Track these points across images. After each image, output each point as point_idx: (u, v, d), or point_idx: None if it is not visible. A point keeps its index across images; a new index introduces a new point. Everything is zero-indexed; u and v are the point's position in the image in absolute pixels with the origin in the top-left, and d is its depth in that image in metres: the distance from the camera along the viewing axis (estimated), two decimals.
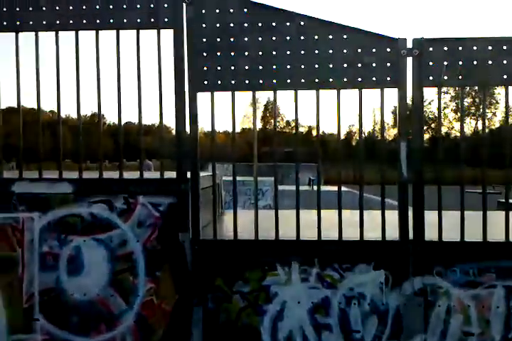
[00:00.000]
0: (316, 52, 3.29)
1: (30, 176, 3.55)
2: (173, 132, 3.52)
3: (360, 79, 3.26)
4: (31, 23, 3.46)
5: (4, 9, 3.49)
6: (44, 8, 3.44)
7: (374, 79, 3.26)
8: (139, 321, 3.42)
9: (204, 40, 3.36)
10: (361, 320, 3.30)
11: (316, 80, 3.28)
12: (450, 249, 3.28)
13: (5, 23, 3.50)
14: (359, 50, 3.26)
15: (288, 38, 3.30)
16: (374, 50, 3.25)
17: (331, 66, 3.28)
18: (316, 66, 3.28)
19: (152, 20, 3.39)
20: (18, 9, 3.47)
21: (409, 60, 3.25)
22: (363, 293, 3.30)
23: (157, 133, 3.93)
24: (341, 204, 3.37)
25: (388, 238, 3.32)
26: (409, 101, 3.28)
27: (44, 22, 3.44)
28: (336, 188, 3.48)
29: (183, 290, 3.41)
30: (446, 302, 3.26)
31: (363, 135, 3.74)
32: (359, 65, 3.26)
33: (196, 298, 3.38)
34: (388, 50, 3.25)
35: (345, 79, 3.27)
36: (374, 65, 3.25)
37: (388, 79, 3.25)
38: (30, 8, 3.45)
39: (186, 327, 3.39)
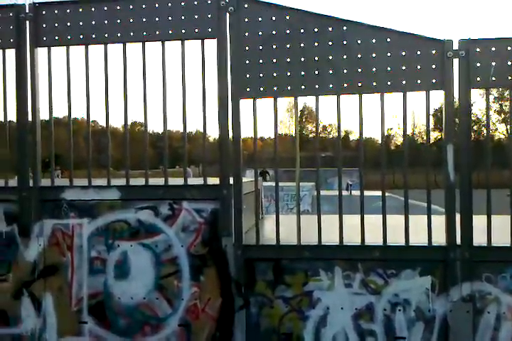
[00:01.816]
0: (359, 56, 3.29)
1: (80, 183, 3.68)
2: (211, 139, 3.59)
3: (404, 83, 3.24)
4: (81, 36, 3.61)
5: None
6: (94, 22, 3.59)
7: (419, 81, 3.23)
8: (183, 325, 3.47)
9: (246, 48, 3.42)
10: (407, 326, 3.25)
11: (359, 85, 3.28)
12: (500, 254, 3.19)
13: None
14: (403, 53, 3.24)
15: (330, 43, 3.32)
16: (419, 53, 3.22)
17: (374, 70, 3.27)
18: (359, 70, 3.28)
19: (196, 30, 3.47)
20: (68, 24, 3.63)
21: (456, 62, 3.21)
22: (408, 300, 3.25)
23: (197, 141, 4.01)
24: (385, 209, 3.34)
25: (434, 243, 3.26)
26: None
27: (93, 35, 3.59)
28: (375, 193, 3.45)
29: (226, 295, 3.44)
30: (495, 309, 3.17)
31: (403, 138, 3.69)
32: (403, 68, 3.24)
33: (239, 302, 3.40)
34: (433, 51, 3.21)
35: (388, 83, 3.25)
36: (419, 67, 3.22)
37: (434, 81, 3.21)
38: (81, 23, 3.61)
39: (229, 331, 3.42)
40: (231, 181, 3.49)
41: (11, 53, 3.73)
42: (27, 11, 3.67)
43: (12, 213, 3.69)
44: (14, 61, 3.70)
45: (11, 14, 3.69)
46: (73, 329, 3.60)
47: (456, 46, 3.21)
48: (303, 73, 3.36)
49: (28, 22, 3.68)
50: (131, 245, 3.54)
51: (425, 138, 3.49)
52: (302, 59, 3.36)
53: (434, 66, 3.22)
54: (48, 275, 3.64)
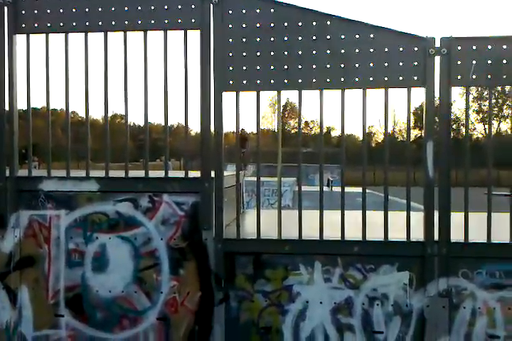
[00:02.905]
0: (342, 51, 3.28)
1: (58, 174, 3.62)
2: (192, 133, 3.57)
3: (386, 79, 3.25)
4: (61, 24, 3.53)
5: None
6: (74, 10, 3.51)
7: (401, 78, 3.24)
8: (162, 318, 3.46)
9: (230, 40, 3.39)
10: (384, 321, 3.28)
11: (342, 80, 3.28)
12: (476, 250, 3.24)
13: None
14: (386, 49, 3.25)
15: (314, 37, 3.31)
16: (401, 49, 3.23)
17: (356, 65, 3.27)
18: (342, 65, 3.28)
19: (179, 21, 3.42)
20: (48, 11, 3.55)
21: (437, 59, 3.22)
22: (386, 294, 3.28)
23: (177, 134, 3.97)
24: (365, 205, 3.36)
25: (413, 239, 3.29)
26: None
27: (74, 23, 3.51)
28: (356, 189, 3.47)
29: (205, 288, 3.43)
30: (471, 304, 3.22)
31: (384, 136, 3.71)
32: (386, 64, 3.24)
33: (219, 296, 3.40)
34: (416, 48, 3.22)
35: (371, 79, 3.26)
36: (401, 64, 3.23)
37: (415, 78, 3.23)
38: (61, 10, 3.52)
39: (208, 324, 3.41)
40: (212, 174, 3.46)
41: None
42: None
43: None
44: None
45: None
46: (49, 322, 3.56)
47: (438, 44, 3.23)
48: (286, 67, 3.35)
49: (6, 8, 3.58)
50: (110, 237, 3.50)
51: (405, 135, 3.51)
52: (286, 53, 3.34)
53: (416, 63, 3.23)
54: (24, 267, 3.58)
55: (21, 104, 3.68)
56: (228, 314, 3.40)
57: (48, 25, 3.56)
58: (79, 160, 3.65)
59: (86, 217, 3.53)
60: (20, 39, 3.62)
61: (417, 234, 3.31)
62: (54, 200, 3.56)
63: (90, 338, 3.52)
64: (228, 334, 3.39)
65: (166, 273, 3.46)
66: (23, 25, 3.59)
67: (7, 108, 3.62)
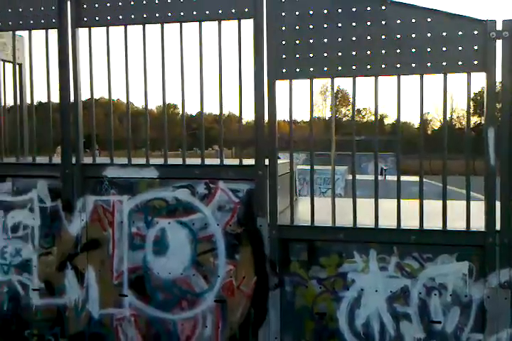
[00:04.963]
0: (398, 36, 3.20)
1: (120, 162, 3.79)
2: (243, 122, 3.63)
3: (444, 64, 3.14)
4: (120, 17, 3.65)
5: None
6: (132, 2, 3.61)
7: (460, 63, 3.12)
8: (219, 301, 3.58)
9: (283, 28, 3.38)
10: (442, 311, 3.24)
11: (398, 66, 3.21)
12: None
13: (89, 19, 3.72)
14: (444, 34, 3.14)
15: (368, 23, 3.24)
16: (460, 33, 3.11)
17: (413, 51, 3.18)
18: (398, 51, 3.20)
19: (233, 10, 3.45)
20: (108, 4, 3.67)
21: (499, 43, 3.08)
22: (444, 284, 3.23)
23: (228, 123, 4.03)
24: (422, 193, 3.30)
25: (472, 229, 3.21)
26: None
27: (132, 16, 3.62)
28: (410, 178, 3.40)
29: (260, 273, 3.51)
30: None
31: (441, 123, 3.60)
32: (444, 49, 3.13)
33: (274, 281, 3.47)
34: (475, 32, 3.09)
35: (428, 64, 3.16)
36: (460, 48, 3.11)
37: (475, 63, 3.10)
38: (120, 3, 3.64)
39: (264, 308, 3.50)
40: (266, 162, 3.51)
41: (53, 33, 3.82)
42: None
43: (56, 189, 3.85)
44: (56, 41, 3.78)
45: None
46: (114, 301, 3.77)
47: (499, 27, 3.08)
48: (340, 54, 3.31)
49: (69, 2, 3.74)
50: (169, 222, 3.65)
51: (464, 123, 3.39)
52: (339, 39, 3.30)
53: (476, 47, 3.10)
54: (90, 249, 3.80)
55: (85, 95, 3.88)
56: (283, 299, 3.47)
57: (108, 18, 3.70)
58: (136, 148, 3.79)
59: (147, 203, 3.69)
60: (82, 32, 3.79)
61: (476, 224, 3.22)
62: (117, 186, 3.73)
63: (152, 318, 3.70)
64: (283, 318, 3.47)
65: (223, 257, 3.57)
66: (85, 19, 3.75)
67: (72, 99, 3.81)
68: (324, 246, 3.42)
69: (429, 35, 3.16)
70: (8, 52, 4.56)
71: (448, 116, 3.16)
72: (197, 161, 3.75)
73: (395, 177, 3.63)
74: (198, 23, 3.53)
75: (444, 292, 3.23)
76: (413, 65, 3.19)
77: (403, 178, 3.47)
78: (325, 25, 3.33)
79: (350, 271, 3.37)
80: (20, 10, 3.87)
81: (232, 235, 3.55)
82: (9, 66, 4.74)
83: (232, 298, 3.56)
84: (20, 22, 3.89)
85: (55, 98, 3.90)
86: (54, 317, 3.90)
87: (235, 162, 3.72)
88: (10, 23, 3.92)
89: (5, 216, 3.96)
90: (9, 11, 3.89)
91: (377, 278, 3.33)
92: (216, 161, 3.77)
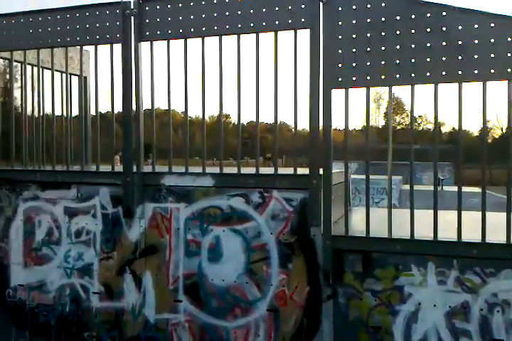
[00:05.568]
0: (459, 43, 3.11)
1: (178, 170, 3.90)
2: (293, 131, 3.64)
3: (510, 70, 3.02)
4: (181, 31, 3.78)
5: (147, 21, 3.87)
6: (192, 17, 3.74)
7: None
8: (271, 310, 3.58)
9: (340, 37, 3.38)
10: (505, 328, 3.07)
11: (459, 72, 3.12)
12: None
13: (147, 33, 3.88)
14: (509, 39, 3.02)
15: (428, 29, 3.18)
16: None
17: (475, 57, 3.08)
18: (460, 58, 3.11)
19: (289, 21, 3.49)
20: (169, 19, 3.82)
21: None
22: (508, 300, 3.07)
23: (280, 132, 4.04)
24: (485, 204, 3.17)
25: None
26: None
27: (192, 29, 3.74)
28: (469, 189, 3.26)
29: (314, 284, 3.48)
30: None
31: (501, 131, 3.44)
32: (509, 55, 3.01)
33: (327, 292, 3.43)
34: None
35: (492, 71, 3.05)
36: None
37: None
38: (180, 17, 3.78)
39: (317, 319, 3.46)
40: (321, 171, 3.49)
41: (117, 47, 4.01)
42: (132, 7, 3.92)
43: (117, 196, 4.01)
44: (120, 55, 3.97)
45: (117, 11, 3.96)
46: (169, 306, 3.85)
47: None
48: (398, 61, 3.26)
49: (132, 18, 3.93)
50: (224, 230, 3.70)
51: None
52: (398, 47, 3.26)
53: None
54: (148, 254, 3.91)
55: (145, 105, 4.02)
56: (336, 310, 3.42)
57: (169, 32, 3.84)
58: (190, 157, 3.88)
59: (202, 211, 3.76)
60: (144, 46, 3.95)
61: None
62: (174, 194, 3.84)
63: (205, 324, 3.75)
64: (336, 330, 3.41)
65: (276, 266, 3.57)
66: (147, 33, 3.91)
67: (134, 109, 3.97)
68: (380, 257, 3.34)
69: (492, 40, 3.06)
70: (75, 66, 4.84)
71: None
72: (251, 170, 3.79)
73: (452, 188, 3.50)
74: (255, 34, 3.60)
75: (508, 309, 3.07)
76: (475, 71, 3.09)
77: (462, 189, 3.34)
78: (383, 33, 3.29)
79: (407, 284, 3.27)
80: (87, 26, 4.09)
81: (286, 244, 3.55)
82: (75, 79, 5.04)
83: (285, 307, 3.55)
84: (87, 37, 4.11)
85: (118, 109, 4.09)
86: (112, 320, 4.04)
87: (289, 171, 3.73)
88: (77, 38, 4.15)
89: (70, 221, 4.16)
90: (77, 27, 4.13)
91: (435, 293, 3.21)
92: (270, 170, 3.79)
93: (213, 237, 3.73)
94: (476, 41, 3.09)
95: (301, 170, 3.62)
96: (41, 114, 4.46)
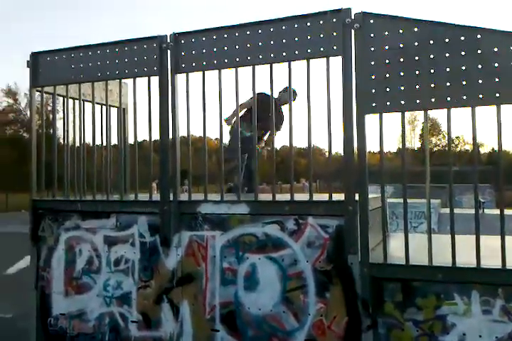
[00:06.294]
0: (496, 65, 3.07)
1: (213, 198, 3.93)
2: (326, 154, 3.62)
3: None
4: (215, 62, 3.89)
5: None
6: (226, 48, 3.84)
7: None
8: (309, 340, 3.49)
9: (372, 63, 3.39)
10: None
11: (497, 95, 3.05)
12: None
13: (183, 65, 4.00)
14: None
15: (463, 53, 3.15)
16: None
17: None
18: (497, 80, 3.06)
19: (322, 49, 3.53)
20: (204, 51, 3.94)
21: None
22: None
23: (314, 156, 4.04)
24: None
25: None
26: None
27: (226, 60, 3.84)
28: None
29: (352, 313, 3.39)
30: None
31: None
32: None
33: (366, 322, 3.33)
34: None
35: None
36: None
37: None
38: (215, 49, 3.89)
39: None
40: (356, 197, 3.45)
41: (154, 80, 4.15)
42: (168, 40, 4.06)
43: (155, 225, 4.07)
44: (158, 86, 4.10)
45: (154, 45, 4.12)
46: (207, 336, 3.82)
47: None
48: (433, 85, 3.23)
49: (169, 51, 4.07)
50: (259, 258, 3.67)
51: None
52: (432, 71, 3.23)
53: None
54: (185, 283, 3.92)
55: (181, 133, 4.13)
56: None
57: (204, 63, 3.95)
58: (226, 182, 3.93)
59: (237, 238, 3.76)
60: (180, 77, 4.08)
61: None
62: (210, 222, 3.86)
63: None
64: None
65: (313, 295, 3.51)
66: (183, 65, 4.03)
67: (170, 138, 4.07)
68: (421, 286, 3.23)
69: None
70: (114, 98, 5.03)
71: None
72: (286, 197, 3.78)
73: (493, 211, 3.38)
74: (287, 63, 3.65)
75: None
76: None
77: (505, 212, 3.22)
78: (416, 58, 3.28)
79: (450, 313, 3.14)
80: (126, 60, 4.27)
81: (322, 272, 3.49)
82: (114, 110, 5.22)
83: (323, 337, 3.46)
84: (126, 71, 4.28)
85: (155, 137, 4.19)
86: None
87: (324, 197, 3.70)
88: (117, 72, 4.33)
89: (109, 250, 4.24)
90: (116, 61, 4.31)
91: (480, 323, 3.07)
92: (305, 196, 3.77)
93: (249, 265, 3.71)
94: None
95: (336, 196, 3.59)
96: (82, 143, 4.62)
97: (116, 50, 4.32)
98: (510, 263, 3.06)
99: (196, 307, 3.87)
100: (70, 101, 4.69)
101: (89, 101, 4.59)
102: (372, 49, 3.40)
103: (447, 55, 3.20)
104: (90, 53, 4.43)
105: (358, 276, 3.38)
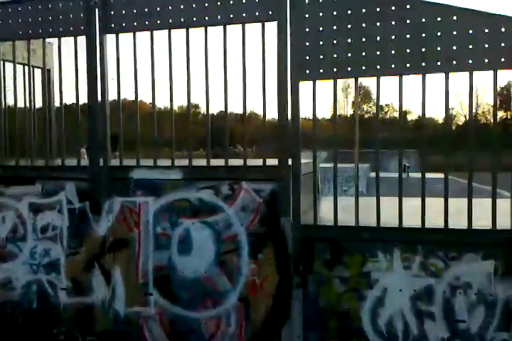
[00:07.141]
0: (423, 35, 3.21)
1: (146, 164, 3.86)
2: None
3: (470, 62, 3.14)
4: (147, 23, 3.74)
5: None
6: (158, 9, 3.70)
7: (486, 61, 3.11)
8: (242, 299, 3.61)
9: (307, 30, 3.43)
10: (467, 310, 3.21)
11: (423, 64, 3.21)
12: None
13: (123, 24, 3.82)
14: (470, 31, 3.14)
15: (393, 22, 3.27)
16: (486, 31, 3.10)
17: (439, 49, 3.19)
18: (423, 50, 3.21)
19: (257, 14, 3.51)
20: (135, 11, 3.78)
21: None
22: (469, 283, 3.20)
23: (252, 121, 4.07)
24: (448, 191, 3.29)
25: (499, 227, 3.18)
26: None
27: (158, 21, 3.70)
28: (434, 176, 3.38)
29: (283, 272, 3.53)
30: None
31: (465, 118, 3.59)
32: (470, 47, 3.13)
33: (297, 280, 3.49)
34: (503, 30, 3.08)
35: (454, 62, 3.16)
36: (487, 46, 3.10)
37: (503, 60, 3.09)
38: (146, 9, 3.74)
39: (286, 307, 3.51)
40: (289, 162, 3.54)
41: (82, 40, 3.93)
42: None
43: (84, 191, 3.94)
44: (85, 47, 3.89)
45: (81, 3, 3.89)
46: (140, 300, 3.83)
47: None
48: (364, 54, 3.33)
49: (97, 10, 3.86)
50: (193, 223, 3.70)
51: (489, 118, 3.38)
52: (363, 39, 3.33)
53: (503, 44, 3.09)
54: (117, 249, 3.87)
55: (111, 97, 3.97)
56: (306, 297, 3.48)
57: (135, 24, 3.79)
58: (159, 146, 3.86)
59: (171, 204, 3.75)
60: (110, 38, 3.89)
61: (503, 222, 3.19)
62: (142, 188, 3.81)
63: (176, 316, 3.74)
64: (306, 317, 3.48)
65: (246, 257, 3.60)
66: (112, 25, 3.85)
67: (99, 101, 3.90)
68: (348, 245, 3.42)
69: (454, 33, 3.16)
70: (37, 58, 4.71)
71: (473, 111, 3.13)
72: (220, 162, 3.80)
73: (417, 175, 3.62)
74: (222, 26, 3.60)
75: (469, 291, 3.20)
76: (438, 63, 3.19)
77: (427, 175, 3.45)
78: (349, 26, 3.36)
79: (374, 270, 3.37)
80: (50, 18, 4.00)
81: (256, 235, 3.58)
82: (38, 71, 4.90)
83: (256, 296, 3.59)
84: (50, 30, 4.02)
85: (83, 101, 4.01)
86: (82, 316, 3.98)
87: (258, 162, 3.76)
88: (40, 30, 4.05)
89: (35, 217, 4.06)
90: (39, 19, 4.03)
91: (401, 278, 3.32)
92: (239, 162, 3.81)
93: (183, 230, 3.72)
94: (439, 34, 3.18)
95: (270, 161, 3.66)
96: (3, 106, 4.33)
97: (39, 6, 4.03)
98: (429, 222, 3.29)
99: (129, 272, 3.85)
100: None
101: (10, 61, 4.27)
102: (307, 16, 3.43)
103: (378, 24, 3.30)
104: (10, 10, 4.11)
105: (290, 237, 3.51)
